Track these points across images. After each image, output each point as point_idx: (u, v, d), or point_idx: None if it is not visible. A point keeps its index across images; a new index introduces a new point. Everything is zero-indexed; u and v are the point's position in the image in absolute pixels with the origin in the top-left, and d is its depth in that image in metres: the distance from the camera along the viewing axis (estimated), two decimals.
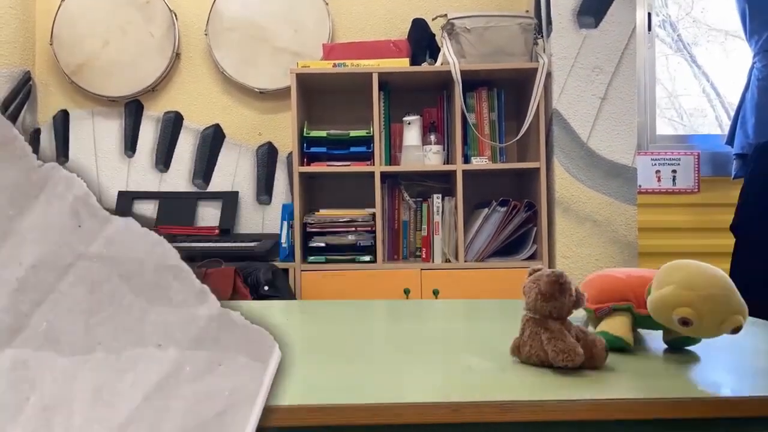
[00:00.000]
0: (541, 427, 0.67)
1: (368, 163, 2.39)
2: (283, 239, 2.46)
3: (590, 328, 0.98)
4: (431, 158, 2.41)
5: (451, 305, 1.29)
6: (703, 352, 0.87)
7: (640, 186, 2.65)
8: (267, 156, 2.77)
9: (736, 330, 0.75)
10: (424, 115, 2.57)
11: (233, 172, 2.78)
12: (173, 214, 2.69)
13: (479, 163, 2.39)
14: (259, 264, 2.17)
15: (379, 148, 2.36)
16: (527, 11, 2.58)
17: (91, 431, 0.50)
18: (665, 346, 0.91)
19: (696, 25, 2.79)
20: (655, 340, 0.95)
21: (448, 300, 1.15)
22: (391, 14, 2.77)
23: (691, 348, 0.89)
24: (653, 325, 0.86)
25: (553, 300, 0.78)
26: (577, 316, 1.11)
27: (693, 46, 2.80)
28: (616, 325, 0.86)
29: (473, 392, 0.69)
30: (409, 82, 2.51)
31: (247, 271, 2.14)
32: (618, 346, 0.85)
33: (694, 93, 2.81)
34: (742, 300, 0.77)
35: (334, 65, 2.37)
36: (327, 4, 2.69)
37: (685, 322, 0.76)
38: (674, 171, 2.65)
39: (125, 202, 2.72)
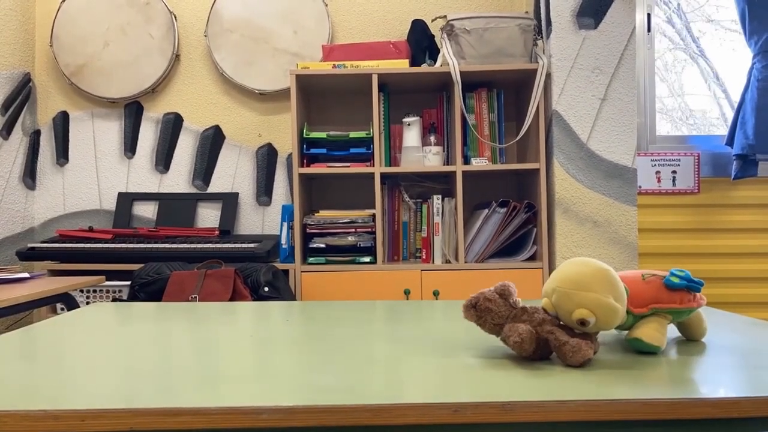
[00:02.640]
0: (541, 427, 0.67)
1: (368, 164, 2.39)
2: (283, 240, 2.46)
3: None
4: (431, 159, 2.41)
5: (452, 306, 1.29)
6: (703, 353, 0.87)
7: (640, 187, 2.66)
8: (267, 157, 2.77)
9: (581, 323, 0.82)
10: (423, 116, 2.57)
11: (233, 173, 2.78)
12: (173, 216, 2.70)
13: (479, 164, 2.39)
14: (259, 265, 2.17)
15: (378, 149, 2.36)
16: (527, 12, 2.58)
17: None
18: (667, 347, 0.91)
19: (701, 21, 2.79)
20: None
21: (448, 301, 1.15)
22: (390, 15, 2.78)
23: (690, 349, 0.89)
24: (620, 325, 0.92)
25: (483, 324, 0.86)
26: None
27: (696, 42, 2.79)
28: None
29: (473, 392, 0.69)
30: (409, 83, 2.51)
31: (248, 272, 2.14)
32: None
33: (698, 92, 2.81)
34: (598, 297, 0.81)
35: (334, 66, 2.37)
36: (326, 5, 2.69)
37: (545, 311, 0.86)
38: (674, 172, 2.65)
39: (125, 204, 2.72)
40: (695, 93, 2.81)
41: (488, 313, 0.84)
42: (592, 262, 0.85)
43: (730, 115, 2.81)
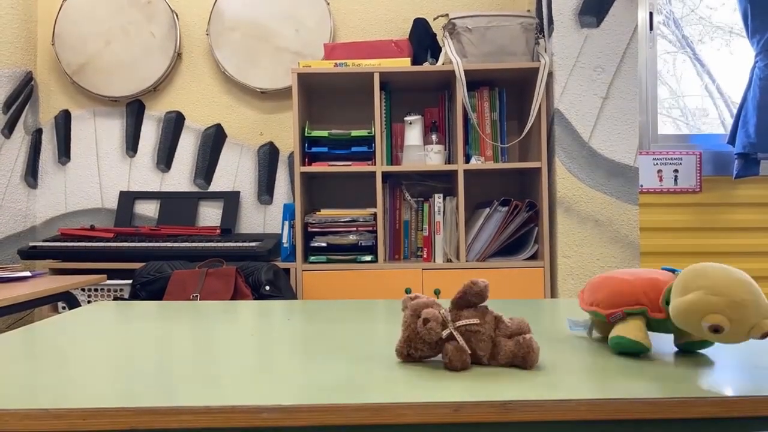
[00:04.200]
0: (541, 427, 0.67)
1: (369, 162, 2.39)
2: (285, 239, 2.46)
3: (595, 333, 0.97)
4: (432, 158, 2.40)
5: None
6: (703, 352, 0.87)
7: (641, 186, 2.65)
8: (268, 156, 2.77)
9: (764, 335, 0.73)
10: (425, 114, 2.57)
11: (234, 171, 2.78)
12: (175, 214, 2.70)
13: (476, 163, 2.39)
14: (260, 264, 2.17)
15: (380, 147, 2.36)
16: (529, 11, 2.58)
17: None
18: (665, 346, 0.90)
19: (701, 22, 2.78)
20: (655, 340, 0.95)
21: (449, 300, 1.15)
22: (392, 14, 2.77)
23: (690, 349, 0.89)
24: (666, 328, 0.84)
25: (417, 348, 0.82)
26: (579, 319, 1.11)
27: (697, 43, 2.79)
28: (632, 329, 0.83)
29: (473, 392, 0.69)
30: (411, 81, 2.51)
31: (249, 271, 2.14)
32: (635, 350, 0.83)
33: (698, 92, 2.80)
34: None
35: (336, 65, 2.37)
36: (328, 3, 2.69)
37: (716, 329, 0.74)
38: (676, 170, 2.64)
39: (127, 202, 2.73)
40: (692, 94, 2.80)
41: (418, 345, 0.82)
42: (732, 267, 0.77)
43: (726, 114, 2.80)
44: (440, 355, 0.83)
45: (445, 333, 0.79)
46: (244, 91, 2.77)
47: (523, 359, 0.78)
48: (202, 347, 0.94)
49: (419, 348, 0.81)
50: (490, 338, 0.80)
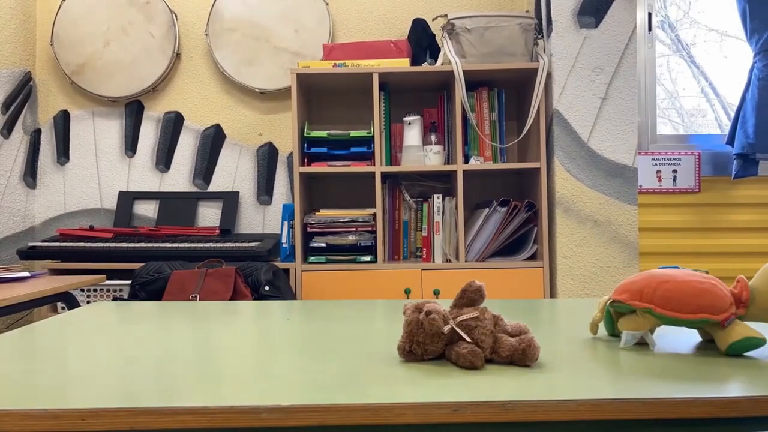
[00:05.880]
0: (541, 427, 0.67)
1: (369, 163, 2.39)
2: (284, 239, 2.46)
3: (625, 337, 0.97)
4: (432, 158, 2.41)
5: None
6: (703, 352, 0.87)
7: (640, 186, 2.65)
8: (267, 156, 2.77)
9: None
10: (424, 115, 2.57)
11: (234, 172, 2.78)
12: (174, 215, 2.70)
13: (479, 163, 2.39)
14: (259, 264, 2.17)
15: (379, 148, 2.36)
16: (527, 11, 2.58)
17: None
18: (666, 346, 0.91)
19: (695, 25, 2.79)
20: (656, 339, 0.95)
21: (449, 300, 1.15)
22: (391, 14, 2.78)
23: (690, 348, 0.89)
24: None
25: (419, 343, 0.82)
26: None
27: (692, 46, 2.80)
28: (748, 329, 0.86)
29: (473, 392, 0.69)
30: (410, 82, 2.51)
31: (248, 271, 2.14)
32: (761, 346, 0.86)
33: (694, 93, 2.81)
34: None
35: (335, 65, 2.37)
36: (327, 4, 2.69)
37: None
38: (675, 171, 2.65)
39: (126, 203, 2.72)
40: (688, 95, 2.80)
41: (427, 353, 0.82)
42: None
43: (723, 116, 2.81)
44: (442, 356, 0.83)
45: (446, 328, 0.80)
46: (243, 92, 2.77)
47: (524, 353, 0.80)
48: (202, 347, 0.94)
49: (421, 342, 0.82)
50: (491, 332, 0.82)
